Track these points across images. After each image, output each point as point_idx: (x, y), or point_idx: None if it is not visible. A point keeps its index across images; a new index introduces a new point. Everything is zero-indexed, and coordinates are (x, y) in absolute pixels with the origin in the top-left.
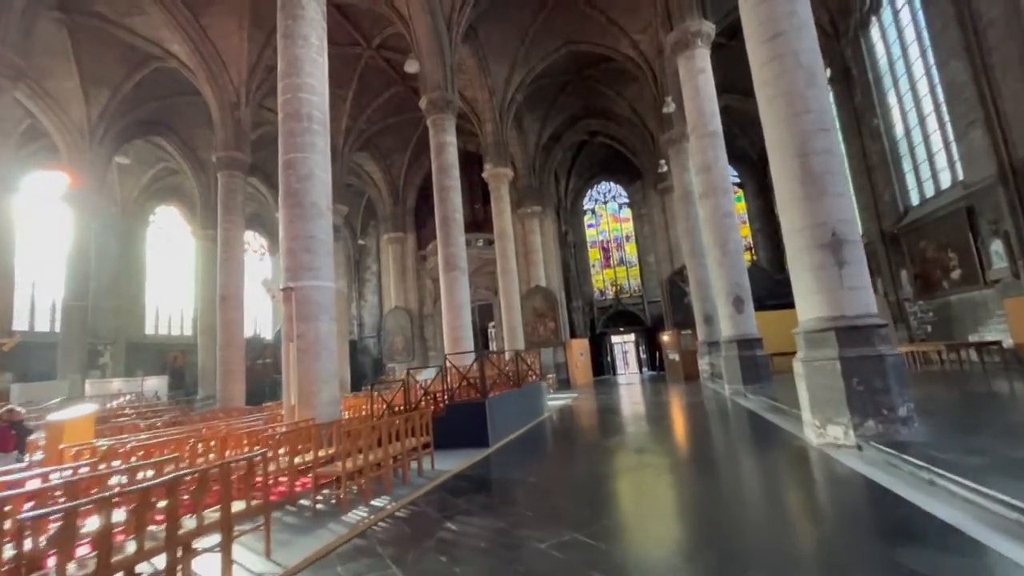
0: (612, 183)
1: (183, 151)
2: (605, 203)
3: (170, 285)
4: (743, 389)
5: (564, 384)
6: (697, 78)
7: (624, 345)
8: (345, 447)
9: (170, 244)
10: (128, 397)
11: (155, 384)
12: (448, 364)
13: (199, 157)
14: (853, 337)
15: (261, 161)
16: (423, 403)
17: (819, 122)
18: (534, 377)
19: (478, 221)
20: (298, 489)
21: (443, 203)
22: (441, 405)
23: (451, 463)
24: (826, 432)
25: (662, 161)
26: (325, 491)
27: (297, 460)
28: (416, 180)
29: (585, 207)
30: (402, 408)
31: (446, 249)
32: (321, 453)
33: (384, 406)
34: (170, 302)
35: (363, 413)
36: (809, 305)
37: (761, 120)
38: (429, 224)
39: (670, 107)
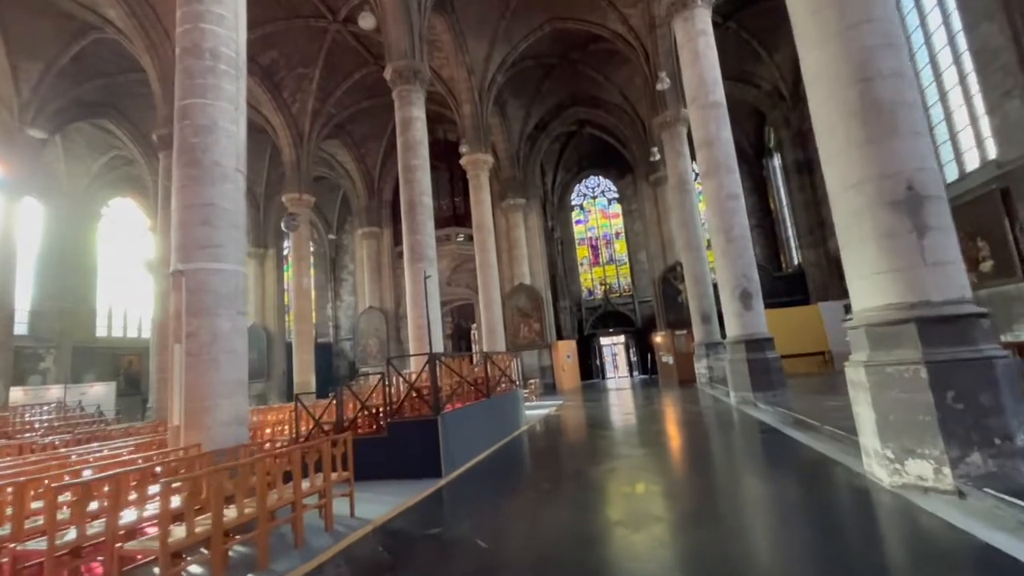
0: (601, 177)
1: (134, 136)
2: (594, 198)
3: (126, 283)
4: (752, 397)
5: (550, 389)
6: (696, 41)
7: (614, 347)
8: (166, 506)
9: (125, 239)
10: (47, 408)
11: (101, 392)
12: (403, 370)
13: (152, 144)
14: (943, 332)
15: None
16: (360, 420)
17: (884, 35)
18: (509, 384)
19: (458, 215)
20: (140, 559)
21: (409, 185)
22: (383, 423)
23: (381, 506)
24: (905, 469)
25: (654, 149)
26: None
27: (129, 519)
28: (393, 171)
29: (573, 202)
30: (333, 428)
31: (412, 237)
32: (178, 503)
33: (311, 425)
34: (126, 302)
35: (280, 434)
36: (873, 287)
37: (798, 46)
38: None
39: (664, 83)
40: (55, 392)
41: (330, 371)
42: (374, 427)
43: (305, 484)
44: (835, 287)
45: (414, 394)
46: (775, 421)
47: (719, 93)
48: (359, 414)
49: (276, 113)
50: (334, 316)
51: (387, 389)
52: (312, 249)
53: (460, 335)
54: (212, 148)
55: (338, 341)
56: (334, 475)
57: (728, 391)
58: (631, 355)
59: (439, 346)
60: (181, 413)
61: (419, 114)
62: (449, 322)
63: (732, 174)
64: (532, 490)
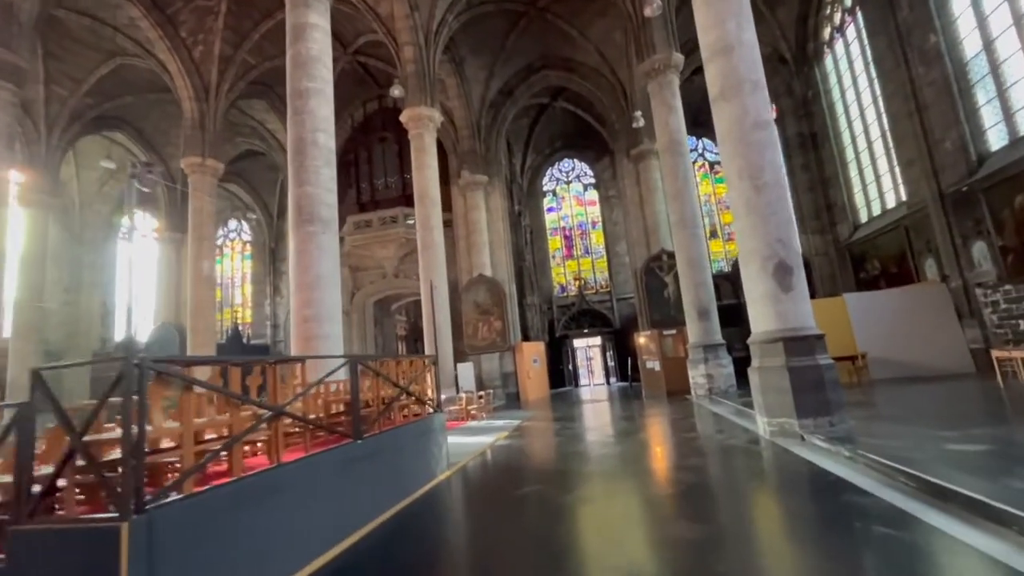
0: (576, 160)
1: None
2: (568, 183)
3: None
4: (797, 426)
5: (512, 400)
6: None
7: (589, 350)
8: None
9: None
10: None
11: None
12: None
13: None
14: None
15: (130, 113)
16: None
17: None
18: (421, 408)
19: (408, 195)
20: None
21: (298, 117)
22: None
23: None
24: None
25: (637, 114)
26: None
27: None
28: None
29: (545, 187)
30: None
31: (299, 189)
32: None
33: None
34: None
35: None
36: None
37: None
38: (347, 198)
39: (655, 6)
40: None
41: None
42: None
43: None
44: (845, 278)
45: (82, 462)
46: (868, 480)
47: None
48: None
49: (171, 56)
50: (272, 314)
51: (20, 453)
52: (250, 238)
53: (416, 337)
54: None
55: (276, 343)
56: None
57: (740, 409)
58: (608, 359)
59: (336, 345)
60: None
61: (319, 21)
62: (403, 322)
63: (759, 91)
64: None
